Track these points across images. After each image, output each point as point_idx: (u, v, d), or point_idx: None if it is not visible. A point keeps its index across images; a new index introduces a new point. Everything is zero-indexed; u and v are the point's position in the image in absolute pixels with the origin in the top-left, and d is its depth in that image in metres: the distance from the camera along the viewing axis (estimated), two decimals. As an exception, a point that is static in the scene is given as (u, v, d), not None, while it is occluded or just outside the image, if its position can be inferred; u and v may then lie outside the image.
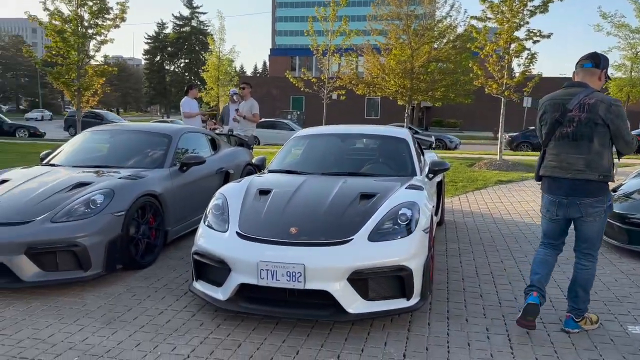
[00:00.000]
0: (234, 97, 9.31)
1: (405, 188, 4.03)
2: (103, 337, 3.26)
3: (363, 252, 3.33)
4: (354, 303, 3.28)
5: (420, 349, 3.14)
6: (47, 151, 5.79)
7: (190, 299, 3.87)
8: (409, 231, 3.51)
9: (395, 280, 3.38)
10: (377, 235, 3.45)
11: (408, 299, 3.40)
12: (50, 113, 53.59)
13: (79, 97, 14.01)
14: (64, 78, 13.57)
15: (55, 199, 4.20)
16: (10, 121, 27.35)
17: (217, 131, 8.19)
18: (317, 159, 4.99)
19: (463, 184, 9.83)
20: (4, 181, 4.66)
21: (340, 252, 3.30)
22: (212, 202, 4.00)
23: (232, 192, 4.07)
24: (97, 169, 4.99)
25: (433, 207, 4.17)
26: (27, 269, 3.86)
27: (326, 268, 3.24)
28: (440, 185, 5.71)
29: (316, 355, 3.06)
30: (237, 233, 3.55)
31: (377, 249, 3.37)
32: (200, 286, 3.68)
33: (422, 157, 5.76)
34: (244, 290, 3.43)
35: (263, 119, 26.57)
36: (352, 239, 3.39)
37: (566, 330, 3.41)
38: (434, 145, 7.14)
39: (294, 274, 3.22)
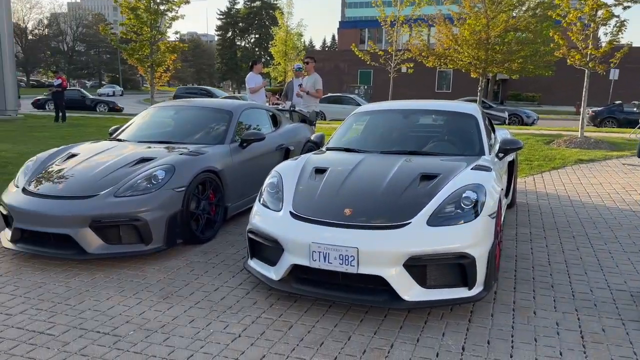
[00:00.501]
0: (297, 73, 9.19)
1: (472, 169, 3.76)
2: (159, 311, 3.31)
3: (421, 237, 3.14)
4: (410, 290, 3.11)
5: (481, 342, 2.94)
6: (115, 126, 5.97)
7: (246, 277, 3.86)
8: (474, 216, 3.27)
9: (456, 268, 3.17)
10: (437, 219, 3.23)
11: (470, 289, 3.18)
12: (122, 89, 55.00)
13: (151, 73, 14.47)
14: (138, 54, 14.05)
15: (119, 174, 4.31)
16: (91, 96, 28.93)
17: (279, 107, 8.13)
18: (377, 136, 4.78)
19: (539, 163, 9.23)
20: (72, 155, 4.84)
21: (396, 237, 3.13)
22: (268, 180, 3.93)
23: (287, 170, 3.98)
24: (160, 145, 5.07)
25: (502, 189, 3.88)
26: (91, 241, 4.00)
27: (380, 252, 3.08)
28: (511, 165, 5.34)
29: (368, 342, 2.93)
30: (291, 213, 3.46)
31: (436, 234, 3.16)
32: (254, 264, 3.64)
33: (492, 134, 5.40)
34: (297, 271, 3.35)
35: (329, 94, 26.45)
36: (409, 223, 3.20)
37: None
38: (507, 122, 6.65)
39: (346, 257, 3.10)
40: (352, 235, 3.15)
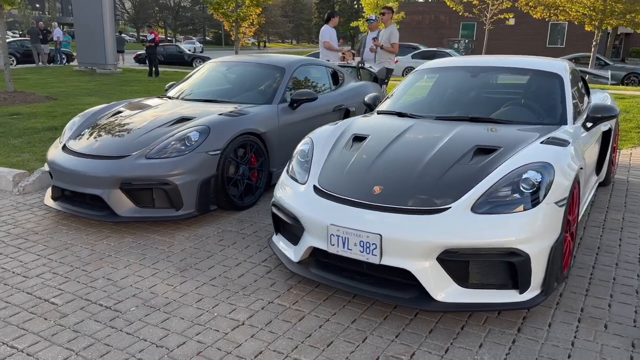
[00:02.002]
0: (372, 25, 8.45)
1: (542, 142, 3.05)
2: (170, 286, 3.09)
3: (461, 226, 2.57)
4: (444, 289, 2.59)
5: (526, 362, 2.37)
6: (172, 82, 5.81)
7: (272, 252, 3.53)
8: (534, 203, 2.62)
9: (504, 266, 2.58)
10: (485, 205, 2.63)
11: (521, 292, 2.58)
12: (201, 45, 53.87)
13: (236, 28, 14.36)
14: (223, 9, 13.94)
15: (154, 134, 4.10)
16: (189, 52, 29.82)
17: (347, 63, 7.54)
18: (436, 98, 4.13)
19: (652, 131, 7.87)
20: (118, 112, 4.72)
21: (429, 223, 2.59)
22: (299, 147, 3.51)
23: (321, 137, 3.52)
24: (206, 104, 4.81)
25: (583, 168, 3.14)
26: (122, 203, 3.86)
27: (408, 242, 2.56)
28: (607, 135, 4.43)
29: (386, 347, 2.48)
30: (315, 187, 3.03)
31: (480, 223, 2.57)
32: (278, 240, 3.28)
33: (586, 98, 4.50)
34: (319, 254, 2.94)
35: (424, 49, 24.95)
36: (449, 208, 2.64)
37: None
38: (609, 83, 5.60)
39: (367, 244, 2.62)
40: (376, 219, 2.66)
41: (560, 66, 3.97)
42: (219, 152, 4.03)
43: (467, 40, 36.05)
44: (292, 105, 4.90)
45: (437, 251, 2.55)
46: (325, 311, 2.80)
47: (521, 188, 2.68)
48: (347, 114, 5.67)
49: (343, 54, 8.75)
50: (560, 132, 3.25)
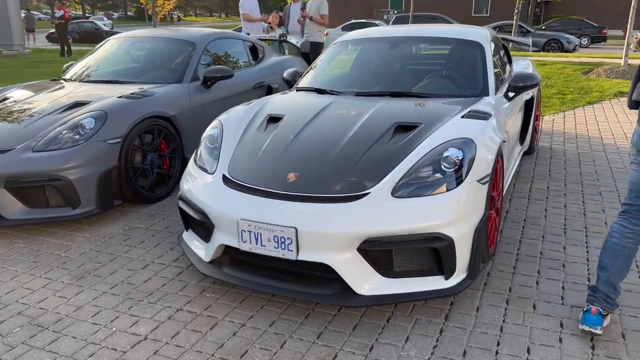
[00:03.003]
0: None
1: (462, 116, 2.87)
2: (63, 298, 2.70)
3: (381, 212, 2.35)
4: (367, 281, 2.38)
5: (454, 354, 2.21)
6: (70, 62, 5.22)
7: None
8: (457, 182, 2.45)
9: (429, 252, 2.40)
10: (406, 187, 2.43)
11: (447, 278, 2.42)
12: (111, 21, 48.60)
13: (153, 1, 13.47)
14: (137, -19, 12.98)
15: (42, 123, 3.60)
16: (106, 28, 27.99)
17: (266, 36, 7.15)
18: (356, 72, 3.88)
19: (572, 97, 8.09)
20: (4, 99, 4.15)
21: (348, 212, 2.35)
22: (206, 132, 3.16)
23: (232, 119, 3.19)
24: (106, 85, 4.32)
25: (505, 141, 3.01)
26: (9, 205, 3.37)
27: (325, 234, 2.32)
28: (530, 103, 4.37)
29: (306, 351, 2.25)
30: (224, 177, 2.71)
31: (402, 208, 2.37)
32: (189, 238, 2.95)
33: (509, 67, 4.41)
34: (233, 251, 2.65)
35: (352, 20, 24.71)
36: (368, 193, 2.41)
37: None
38: (531, 50, 5.65)
39: (282, 239, 2.36)
40: (290, 211, 2.39)
41: (481, 34, 3.82)
42: (119, 140, 3.61)
43: (395, 11, 36.16)
44: (206, 83, 4.50)
45: (357, 241, 2.33)
46: (241, 315, 2.53)
47: (442, 167, 2.49)
48: (270, 91, 5.34)
49: (268, 22, 8.30)
50: (481, 105, 3.10)
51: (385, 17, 33.57)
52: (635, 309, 2.49)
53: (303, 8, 7.85)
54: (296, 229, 2.32)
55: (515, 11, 18.59)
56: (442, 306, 2.56)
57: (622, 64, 10.42)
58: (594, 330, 2.26)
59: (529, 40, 5.51)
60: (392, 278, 2.41)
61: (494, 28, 21.67)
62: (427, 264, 2.43)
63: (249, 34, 6.79)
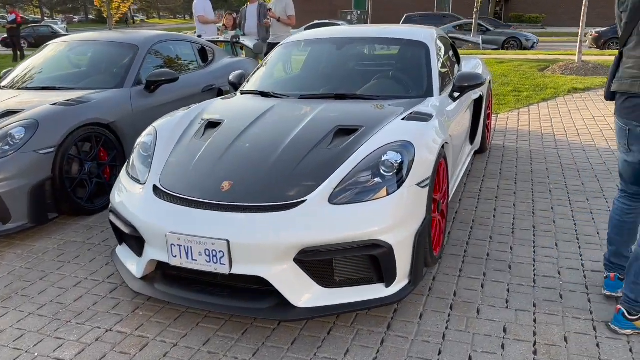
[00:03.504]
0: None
1: (403, 119, 2.81)
2: (-16, 323, 2.51)
3: (318, 220, 2.26)
4: (305, 293, 2.28)
5: (394, 366, 2.13)
6: (9, 68, 4.96)
7: (121, 264, 3.03)
8: (396, 186, 2.37)
9: (368, 260, 2.32)
10: (343, 193, 2.34)
11: (387, 286, 2.34)
12: (65, 25, 45.58)
13: (108, 4, 13.11)
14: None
15: (-32, 134, 3.38)
16: (64, 32, 27.17)
17: (219, 38, 6.99)
18: (301, 75, 3.79)
19: (528, 94, 8.19)
20: None
21: (282, 222, 2.25)
22: (140, 139, 3.01)
23: (167, 125, 3.05)
24: (43, 92, 4.10)
25: (448, 142, 2.95)
26: None
27: (259, 245, 2.21)
28: (479, 103, 4.36)
29: (240, 370, 2.14)
30: (155, 188, 2.57)
31: (339, 215, 2.28)
32: (123, 252, 2.79)
33: (457, 67, 4.39)
34: (167, 266, 2.50)
35: (315, 21, 24.67)
36: (304, 201, 2.31)
37: (614, 328, 2.28)
38: (481, 48, 5.75)
39: (214, 252, 2.23)
40: (222, 222, 2.27)
41: (427, 34, 3.77)
42: (52, 149, 3.42)
43: (359, 12, 36.29)
44: (149, 88, 4.33)
45: (292, 252, 2.22)
46: (174, 334, 2.39)
47: (381, 171, 2.42)
48: (220, 94, 5.19)
49: (223, 24, 8.14)
50: (423, 106, 3.04)
51: (348, 17, 33.65)
52: (577, 310, 2.47)
53: (270, 9, 7.72)
54: (228, 241, 2.20)
55: (475, 10, 18.86)
56: (385, 314, 2.48)
57: (576, 61, 10.64)
58: (614, 294, 2.49)
59: (479, 38, 5.56)
60: (332, 288, 2.32)
61: (455, 27, 21.97)
62: (368, 272, 2.35)
63: (200, 36, 6.62)
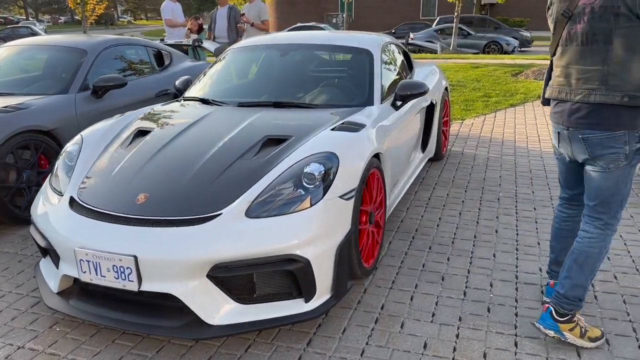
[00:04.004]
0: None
1: (333, 129, 2.76)
2: None
3: (231, 235, 2.20)
4: (220, 310, 2.21)
5: (306, 385, 2.08)
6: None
7: (48, 277, 2.94)
8: (320, 198, 2.32)
9: (286, 274, 2.26)
10: (262, 206, 2.28)
11: (307, 301, 2.29)
12: (43, 26, 43.29)
13: (82, 5, 12.95)
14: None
15: None
16: (44, 34, 26.90)
17: (182, 41, 6.92)
18: (243, 81, 3.73)
19: (497, 99, 8.20)
20: None
21: (194, 236, 2.18)
22: (66, 148, 2.94)
23: (96, 134, 2.98)
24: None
25: (381, 152, 2.91)
26: None
27: (169, 261, 2.14)
28: (430, 110, 4.33)
29: (146, 390, 2.07)
30: (72, 200, 2.49)
31: (254, 229, 2.22)
32: (45, 266, 2.71)
33: (407, 74, 4.35)
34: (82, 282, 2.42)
35: (299, 24, 24.62)
36: (219, 215, 2.25)
37: (537, 327, 2.27)
38: (439, 52, 5.71)
39: (122, 269, 2.16)
40: (131, 237, 2.21)
41: (373, 41, 3.73)
42: (-15, 158, 3.33)
43: (345, 15, 36.33)
44: (97, 93, 4.25)
45: (205, 268, 2.16)
46: (87, 351, 2.32)
47: (304, 183, 2.36)
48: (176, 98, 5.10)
49: (189, 28, 8.07)
50: (359, 115, 3.00)
51: (334, 20, 33.63)
52: (502, 325, 2.43)
53: (243, 14, 7.66)
54: (136, 257, 2.13)
55: (455, 14, 18.94)
56: (308, 330, 2.43)
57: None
58: (547, 300, 2.50)
59: (437, 45, 5.52)
60: (249, 304, 2.26)
61: (436, 31, 22.07)
62: (286, 287, 2.29)
63: (162, 40, 6.54)
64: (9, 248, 3.34)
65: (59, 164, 2.81)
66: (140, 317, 2.26)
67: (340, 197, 2.40)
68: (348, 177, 2.46)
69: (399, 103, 3.41)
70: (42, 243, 2.49)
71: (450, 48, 19.05)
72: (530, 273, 2.88)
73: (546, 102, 2.44)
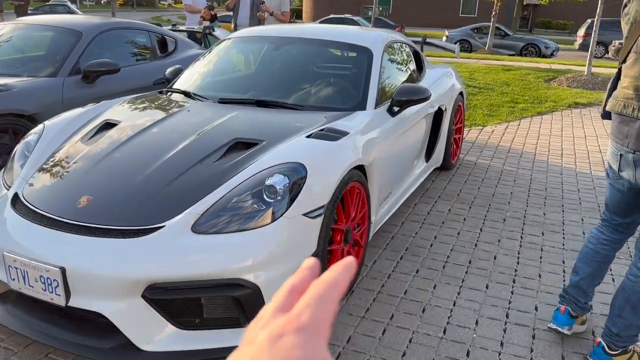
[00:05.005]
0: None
1: (308, 135, 2.46)
2: None
3: (171, 252, 1.95)
4: (155, 335, 1.97)
5: None
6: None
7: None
8: (276, 215, 2.05)
9: (233, 300, 2.00)
10: (210, 220, 2.03)
11: (256, 331, 2.02)
12: (75, 5, 37.17)
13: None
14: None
15: None
16: (80, 13, 27.17)
17: (194, 28, 6.70)
18: (228, 75, 3.46)
19: (524, 106, 7.73)
20: None
21: (129, 251, 1.94)
22: (25, 137, 2.73)
23: (59, 124, 2.76)
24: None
25: (364, 163, 2.61)
26: None
27: (99, 277, 1.91)
28: (438, 116, 3.98)
29: (63, 419, 1.84)
30: (14, 197, 2.29)
31: (198, 247, 1.97)
32: None
33: (416, 76, 4.01)
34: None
35: (331, 15, 24.21)
36: (161, 227, 2.00)
37: None
38: (458, 56, 5.38)
39: (49, 280, 1.94)
40: (60, 246, 1.98)
41: (375, 39, 3.41)
42: (-45, 141, 3.17)
43: (381, 8, 35.67)
44: (88, 78, 4.06)
45: (139, 287, 1.92)
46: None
47: (265, 197, 2.09)
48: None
49: (202, 16, 7.86)
50: (345, 121, 2.70)
51: (369, 13, 33.05)
52: (519, 346, 2.12)
53: (263, 2, 7.41)
54: (63, 269, 1.91)
55: (493, 13, 18.25)
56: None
57: (585, 73, 10.10)
58: (560, 329, 2.29)
59: (455, 46, 5.14)
60: (190, 330, 2.01)
61: (473, 30, 21.35)
62: (234, 312, 2.03)
63: (175, 25, 6.32)
64: (-26, 237, 3.18)
65: (16, 153, 2.61)
66: (71, 333, 2.03)
67: (305, 214, 2.12)
68: (316, 193, 2.18)
69: (396, 109, 3.09)
70: (-21, 241, 2.29)
71: (486, 48, 18.40)
72: (524, 312, 2.54)
73: (606, 115, 2.16)
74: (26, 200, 2.23)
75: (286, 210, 2.07)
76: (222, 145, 2.42)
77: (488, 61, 13.83)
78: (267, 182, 2.12)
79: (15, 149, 2.66)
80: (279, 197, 2.09)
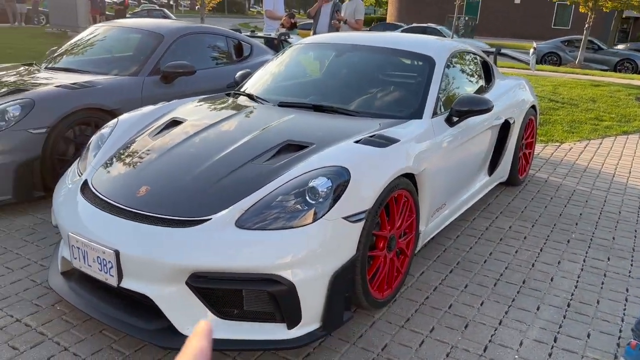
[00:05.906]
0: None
1: (357, 141, 2.49)
2: None
3: (215, 244, 2.05)
4: (195, 321, 2.08)
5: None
6: (55, 47, 5.22)
7: (73, 253, 3.02)
8: (318, 216, 2.10)
9: (269, 295, 2.07)
10: (254, 216, 2.11)
11: (290, 327, 2.08)
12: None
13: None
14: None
15: (-27, 108, 3.56)
16: (174, 17, 28.81)
17: (271, 35, 6.90)
18: (291, 80, 3.55)
19: (609, 124, 7.26)
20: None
21: (176, 239, 2.07)
22: (100, 129, 2.97)
23: (132, 119, 2.98)
24: (66, 73, 4.24)
25: (413, 172, 2.59)
26: None
27: (148, 261, 2.05)
28: (505, 129, 3.86)
29: (107, 390, 1.99)
30: (84, 184, 2.50)
31: (239, 241, 2.05)
32: (62, 244, 2.76)
33: (484, 87, 3.91)
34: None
35: (414, 24, 23.98)
36: (209, 219, 2.11)
37: None
38: (533, 69, 5.07)
39: (104, 262, 2.11)
40: (117, 230, 2.14)
41: (440, 48, 3.37)
42: (44, 130, 3.51)
43: (467, 18, 34.79)
44: (166, 78, 4.33)
45: (183, 274, 2.04)
46: (73, 337, 2.30)
47: (307, 198, 2.15)
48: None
49: (281, 23, 8.10)
50: (398, 128, 2.69)
51: (455, 22, 32.37)
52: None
53: (337, 11, 7.57)
54: (118, 251, 2.07)
55: (586, 25, 17.27)
56: (293, 358, 2.22)
57: (685, 92, 9.29)
58: None
59: (531, 58, 4.89)
60: (230, 320, 2.10)
61: (564, 42, 20.28)
62: (269, 308, 2.10)
63: (253, 31, 6.58)
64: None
65: (91, 144, 2.85)
66: (122, 313, 2.19)
67: (346, 218, 2.14)
68: (359, 197, 2.20)
69: (455, 119, 3.04)
70: (53, 221, 2.53)
71: (576, 62, 17.43)
72: (574, 337, 2.40)
73: None
74: (93, 187, 2.43)
75: (327, 212, 2.10)
76: (273, 146, 2.50)
77: (576, 75, 13.09)
78: (311, 184, 2.17)
79: (91, 140, 2.90)
80: (320, 199, 2.14)
